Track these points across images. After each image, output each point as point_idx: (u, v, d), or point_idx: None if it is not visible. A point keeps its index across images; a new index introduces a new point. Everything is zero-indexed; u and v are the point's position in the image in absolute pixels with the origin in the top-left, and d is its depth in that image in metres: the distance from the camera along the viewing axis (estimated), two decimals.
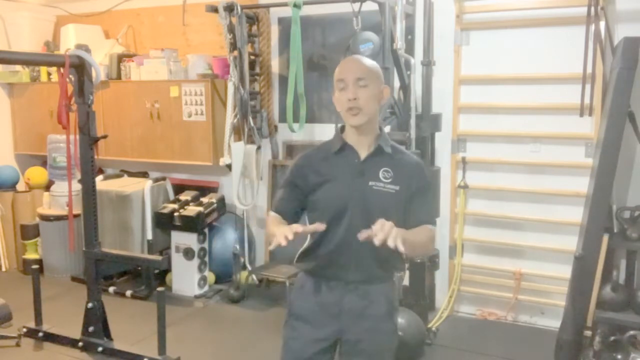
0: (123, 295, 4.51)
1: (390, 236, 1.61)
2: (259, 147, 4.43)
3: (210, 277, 4.70)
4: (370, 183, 1.89)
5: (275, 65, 4.69)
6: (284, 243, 1.67)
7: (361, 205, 1.88)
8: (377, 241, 1.62)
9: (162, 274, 4.72)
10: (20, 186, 5.38)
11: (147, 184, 4.63)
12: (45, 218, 4.90)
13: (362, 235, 1.67)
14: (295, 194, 1.98)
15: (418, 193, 1.95)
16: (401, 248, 1.61)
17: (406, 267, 2.05)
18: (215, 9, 4.24)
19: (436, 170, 4.03)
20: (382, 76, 1.93)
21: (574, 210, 3.67)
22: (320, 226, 1.77)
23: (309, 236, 1.97)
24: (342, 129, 1.97)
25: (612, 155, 3.17)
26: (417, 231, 1.90)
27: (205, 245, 4.58)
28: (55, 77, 5.13)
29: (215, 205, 4.54)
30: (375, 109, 1.90)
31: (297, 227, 1.71)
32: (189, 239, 4.48)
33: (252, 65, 4.53)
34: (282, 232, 1.69)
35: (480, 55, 3.99)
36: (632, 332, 3.16)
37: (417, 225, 1.92)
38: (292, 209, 1.99)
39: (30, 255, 5.00)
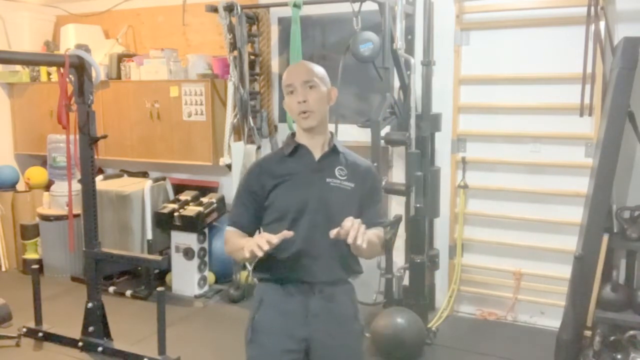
0: (123, 295, 4.51)
1: (360, 234, 1.66)
2: (259, 147, 4.43)
3: (210, 277, 4.70)
4: (328, 179, 1.91)
5: (275, 65, 4.69)
6: (259, 253, 1.69)
7: (320, 202, 1.89)
8: (349, 239, 1.65)
9: (162, 274, 4.72)
10: (20, 186, 5.38)
11: (147, 184, 4.63)
12: (45, 218, 4.90)
13: (333, 232, 1.69)
14: (252, 204, 1.95)
15: (370, 194, 1.98)
16: (364, 246, 1.67)
17: (362, 271, 2.05)
18: (215, 9, 4.24)
19: (436, 170, 4.03)
20: (328, 78, 1.96)
21: (574, 210, 3.67)
22: (288, 233, 1.75)
23: None
24: (293, 135, 1.99)
25: (612, 155, 3.17)
26: (372, 233, 1.90)
27: (205, 245, 4.58)
28: (55, 77, 5.13)
29: (215, 205, 4.54)
30: (325, 110, 1.93)
31: (270, 237, 1.70)
32: (189, 239, 4.48)
33: (252, 65, 4.53)
34: (254, 243, 1.70)
35: (480, 55, 3.99)
36: (632, 332, 3.16)
37: (370, 226, 1.91)
38: (250, 221, 1.97)
39: (30, 255, 5.00)
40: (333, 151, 1.95)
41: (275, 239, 1.70)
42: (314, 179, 1.91)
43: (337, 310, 1.94)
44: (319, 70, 1.94)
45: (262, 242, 1.69)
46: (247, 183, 1.97)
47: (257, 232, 1.98)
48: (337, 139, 2.02)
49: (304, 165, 1.92)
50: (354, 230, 1.66)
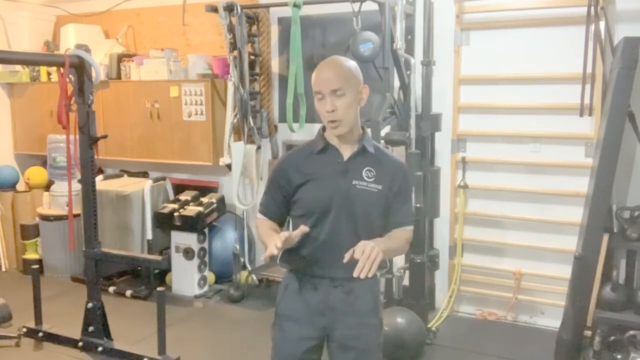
0: (123, 295, 4.51)
1: (366, 268, 1.67)
2: (259, 147, 4.43)
3: (210, 277, 4.70)
4: (354, 182, 1.91)
5: (275, 65, 4.69)
6: (275, 252, 1.72)
7: (345, 203, 1.89)
8: (354, 273, 1.68)
9: (162, 274, 4.72)
10: (20, 186, 5.38)
11: (147, 184, 4.63)
12: (45, 218, 4.90)
13: (347, 257, 1.73)
14: (279, 196, 1.99)
15: (400, 194, 1.97)
16: (370, 275, 1.68)
17: (388, 264, 2.06)
18: (215, 9, 4.24)
19: (436, 170, 4.03)
20: (360, 76, 1.91)
21: (574, 210, 3.67)
22: (304, 229, 1.81)
23: None
24: (324, 128, 1.98)
25: (612, 155, 3.17)
26: (397, 236, 1.96)
27: (205, 245, 4.59)
28: (55, 77, 5.13)
29: (215, 205, 4.54)
30: (355, 114, 1.91)
31: (284, 235, 1.75)
32: (189, 239, 4.48)
33: (252, 65, 4.53)
34: (272, 242, 1.74)
35: (480, 55, 3.99)
36: (632, 332, 3.16)
37: (398, 226, 1.97)
38: (278, 210, 2.01)
39: (30, 255, 5.00)
40: (362, 150, 1.94)
41: (287, 234, 1.76)
42: (340, 180, 1.91)
43: (356, 304, 1.96)
44: (349, 72, 1.87)
45: (278, 240, 1.73)
46: (276, 176, 2.00)
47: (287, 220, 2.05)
48: (369, 135, 1.99)
49: (331, 165, 1.92)
50: (361, 263, 1.68)
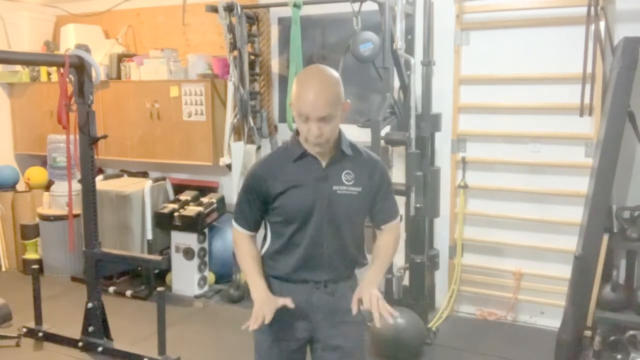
0: (123, 295, 4.51)
1: (383, 310, 1.79)
2: (259, 147, 4.43)
3: (210, 277, 4.70)
4: (334, 187, 1.90)
5: (275, 65, 4.69)
6: (256, 327, 1.80)
7: (327, 209, 1.90)
8: (376, 322, 1.81)
9: (162, 274, 4.72)
10: (20, 186, 5.38)
11: (147, 184, 4.63)
12: (45, 218, 4.90)
13: (354, 309, 1.85)
14: (256, 204, 1.96)
15: (381, 191, 1.98)
16: (390, 322, 1.82)
17: (368, 262, 2.08)
18: (215, 9, 4.24)
19: (436, 170, 4.03)
20: (342, 90, 1.85)
21: (574, 210, 3.67)
22: (289, 304, 1.85)
23: (269, 238, 1.99)
24: (298, 133, 1.93)
25: (612, 155, 3.17)
26: (385, 243, 2.02)
27: (205, 245, 4.59)
28: (55, 77, 5.13)
29: (215, 205, 4.54)
30: (337, 130, 1.88)
31: (273, 308, 1.83)
32: (189, 239, 4.48)
33: (252, 65, 4.53)
34: (259, 311, 1.81)
35: (480, 55, 3.99)
36: (632, 332, 3.15)
37: (384, 222, 2.01)
38: (255, 220, 2.00)
39: (30, 255, 5.00)
40: (340, 155, 1.93)
41: (273, 306, 1.84)
42: (320, 187, 1.90)
43: (338, 303, 1.97)
44: (336, 94, 1.81)
45: (263, 315, 1.80)
46: (252, 184, 1.96)
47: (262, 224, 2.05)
48: (344, 136, 1.96)
49: (310, 173, 1.91)
50: (376, 312, 1.79)
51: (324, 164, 1.92)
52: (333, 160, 1.92)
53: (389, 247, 2.03)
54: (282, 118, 4.63)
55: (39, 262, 4.84)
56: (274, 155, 2.03)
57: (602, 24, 3.46)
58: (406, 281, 3.82)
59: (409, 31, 3.91)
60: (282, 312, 1.91)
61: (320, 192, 1.90)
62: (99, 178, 4.51)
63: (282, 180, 1.90)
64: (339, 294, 1.97)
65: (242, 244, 2.01)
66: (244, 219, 2.00)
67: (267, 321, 1.79)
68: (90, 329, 3.56)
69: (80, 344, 3.57)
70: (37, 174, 5.30)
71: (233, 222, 2.03)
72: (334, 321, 1.97)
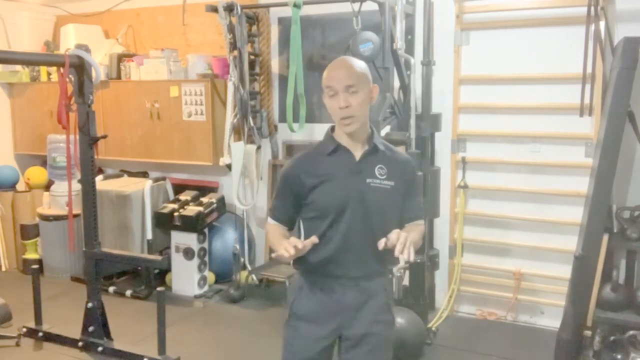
0: (123, 295, 4.51)
1: (406, 248, 1.71)
2: (259, 147, 4.43)
3: (210, 277, 4.70)
4: (368, 180, 1.92)
5: (275, 65, 4.69)
6: (286, 255, 1.75)
7: (360, 202, 1.90)
8: (396, 252, 1.71)
9: (162, 274, 4.72)
10: (20, 186, 5.38)
11: (147, 184, 4.63)
12: (45, 218, 4.90)
13: (381, 244, 1.76)
14: (291, 200, 1.99)
15: (410, 189, 2.00)
16: (411, 259, 1.72)
17: (399, 262, 2.07)
18: (215, 9, 4.24)
19: (436, 170, 4.02)
20: (370, 75, 1.93)
21: (574, 210, 3.67)
22: (314, 239, 1.82)
23: (302, 238, 1.98)
24: (333, 128, 1.98)
25: (612, 155, 3.17)
26: (414, 230, 1.97)
27: (205, 245, 4.59)
28: (55, 77, 5.13)
29: (215, 205, 4.54)
30: (366, 112, 1.93)
31: (297, 243, 1.77)
32: (189, 239, 4.48)
33: (252, 65, 4.53)
34: (284, 247, 1.76)
35: (480, 55, 3.99)
36: (632, 332, 3.16)
37: (411, 221, 2.02)
38: (289, 215, 2.02)
39: (30, 255, 5.00)
40: (373, 149, 1.95)
41: (300, 244, 1.77)
42: (354, 180, 1.92)
43: (370, 302, 1.98)
44: (361, 70, 1.89)
45: (290, 247, 1.75)
46: (288, 180, 1.99)
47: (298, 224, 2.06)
48: (377, 134, 2.00)
49: (344, 166, 1.93)
50: (400, 245, 1.71)
51: (357, 157, 1.93)
52: (366, 153, 1.94)
53: (415, 232, 1.98)
54: (282, 118, 4.63)
55: (39, 262, 4.84)
56: (308, 151, 2.05)
57: (602, 24, 3.46)
58: (406, 281, 3.82)
59: (409, 31, 3.91)
60: (313, 310, 1.95)
61: (353, 185, 1.91)
62: (99, 178, 4.51)
63: (315, 175, 1.93)
64: (370, 292, 1.98)
65: (273, 230, 2.01)
66: (278, 214, 2.03)
67: (292, 252, 1.74)
68: (90, 328, 3.56)
69: (80, 343, 3.57)
70: (37, 174, 5.30)
71: (268, 218, 2.05)
72: (364, 320, 1.97)
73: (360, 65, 1.91)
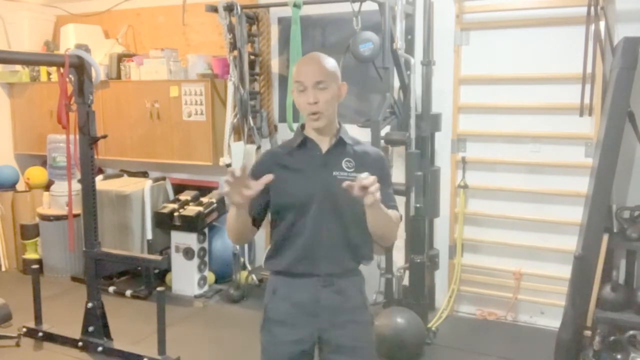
0: (123, 295, 4.51)
1: (373, 186, 1.68)
2: (259, 147, 4.43)
3: (210, 277, 4.70)
4: (334, 173, 1.92)
5: (275, 65, 4.69)
6: (228, 187, 1.70)
7: (327, 195, 1.90)
8: (362, 185, 1.68)
9: (162, 273, 4.72)
10: (20, 186, 5.38)
11: (147, 184, 4.63)
12: (45, 218, 4.90)
13: (346, 183, 1.72)
14: (260, 192, 1.91)
15: (380, 181, 1.92)
16: (377, 196, 1.70)
17: (374, 257, 2.06)
18: (215, 9, 4.24)
19: (436, 170, 4.03)
20: (339, 72, 1.94)
21: (574, 210, 3.67)
22: (269, 177, 1.76)
23: (272, 236, 1.99)
24: (303, 126, 2.00)
25: (612, 155, 3.17)
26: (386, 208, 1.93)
27: (205, 245, 4.59)
28: (55, 77, 5.13)
29: (215, 205, 4.54)
30: (334, 108, 1.93)
31: (235, 170, 1.71)
32: (188, 239, 4.48)
33: (252, 65, 4.53)
34: (225, 183, 1.72)
35: (480, 55, 3.99)
36: (632, 332, 3.16)
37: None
38: (257, 205, 1.96)
39: (30, 255, 5.00)
40: (340, 143, 1.96)
41: (240, 171, 1.71)
42: (320, 172, 1.92)
43: (346, 303, 1.96)
44: (331, 66, 1.91)
45: (229, 176, 1.70)
46: (256, 170, 1.97)
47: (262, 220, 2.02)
48: (345, 129, 2.00)
49: (311, 159, 1.94)
50: (367, 181, 1.68)
51: (323, 150, 1.94)
52: (333, 147, 1.95)
53: (388, 211, 1.94)
54: (282, 118, 4.63)
55: (39, 262, 4.84)
56: (280, 145, 2.08)
57: (602, 24, 3.46)
58: (406, 281, 3.82)
59: (409, 31, 3.91)
60: (289, 313, 1.92)
61: (319, 177, 1.91)
62: (99, 178, 4.51)
63: (283, 166, 1.93)
64: (345, 292, 1.96)
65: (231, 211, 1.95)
66: None
67: (237, 174, 1.70)
68: (90, 328, 3.56)
69: (80, 343, 3.58)
70: (37, 173, 5.30)
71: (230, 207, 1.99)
72: (341, 321, 1.95)
73: (330, 62, 1.92)
